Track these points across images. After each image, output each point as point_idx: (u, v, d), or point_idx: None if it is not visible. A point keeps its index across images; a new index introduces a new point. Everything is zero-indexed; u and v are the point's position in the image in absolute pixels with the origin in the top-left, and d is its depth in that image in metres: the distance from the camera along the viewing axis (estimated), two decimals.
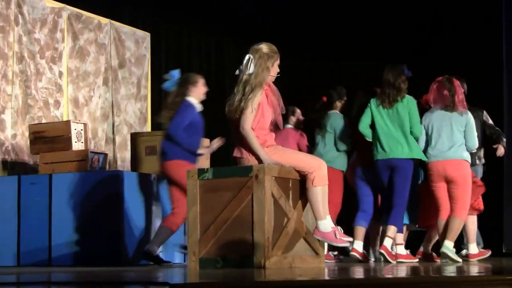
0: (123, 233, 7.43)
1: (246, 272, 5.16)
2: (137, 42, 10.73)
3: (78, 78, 9.74)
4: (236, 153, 5.99)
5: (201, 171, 5.91)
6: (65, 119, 9.26)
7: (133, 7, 10.94)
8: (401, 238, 7.48)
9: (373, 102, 7.59)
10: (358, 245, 7.56)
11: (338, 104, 8.26)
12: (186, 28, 11.75)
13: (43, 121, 9.01)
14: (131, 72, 10.58)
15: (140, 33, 10.80)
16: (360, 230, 7.64)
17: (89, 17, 9.97)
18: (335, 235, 5.82)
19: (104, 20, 10.19)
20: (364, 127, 7.57)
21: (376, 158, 7.48)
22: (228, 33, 12.47)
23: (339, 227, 5.99)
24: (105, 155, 8.21)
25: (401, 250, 7.41)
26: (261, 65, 5.88)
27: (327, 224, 5.82)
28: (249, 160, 5.86)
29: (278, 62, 5.97)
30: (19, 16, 9.03)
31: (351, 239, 6.09)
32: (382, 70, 7.77)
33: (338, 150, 8.02)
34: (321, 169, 5.85)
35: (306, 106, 8.86)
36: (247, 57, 5.92)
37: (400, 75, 7.62)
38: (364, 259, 7.67)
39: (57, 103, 9.38)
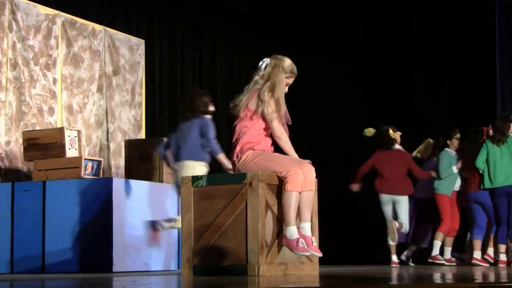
0: (116, 240, 7.41)
1: (240, 279, 5.15)
2: (132, 49, 10.72)
3: (72, 85, 9.73)
4: (234, 156, 5.95)
5: (195, 178, 5.90)
6: (59, 126, 9.24)
7: (127, 14, 10.94)
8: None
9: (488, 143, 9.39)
10: (477, 255, 9.34)
11: (449, 142, 9.80)
12: (180, 35, 11.76)
13: (37, 128, 9.00)
14: (126, 79, 10.57)
15: (134, 39, 10.80)
16: (478, 243, 9.40)
17: (83, 24, 9.96)
18: (297, 243, 5.75)
19: (98, 27, 10.19)
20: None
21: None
22: (221, 40, 12.49)
23: (313, 238, 5.87)
24: (99, 162, 8.19)
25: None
26: (277, 73, 5.89)
27: (292, 231, 5.75)
28: (245, 163, 5.84)
29: (289, 81, 5.97)
30: (13, 22, 9.02)
31: (318, 254, 5.93)
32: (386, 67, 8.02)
33: (440, 178, 9.65)
34: (297, 175, 5.71)
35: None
36: (265, 60, 5.95)
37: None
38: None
39: (51, 110, 9.36)
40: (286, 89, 6.00)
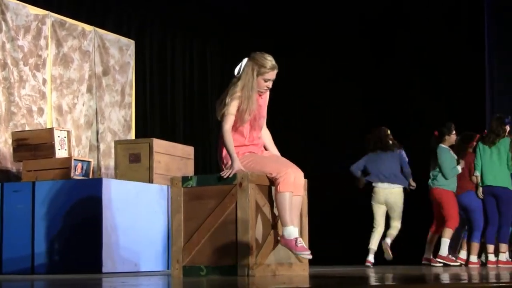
0: (105, 241, 7.39)
1: (230, 280, 5.15)
2: (121, 49, 10.70)
3: (62, 86, 9.71)
4: (220, 161, 5.96)
5: (185, 179, 5.90)
6: (48, 126, 9.22)
7: (117, 15, 10.92)
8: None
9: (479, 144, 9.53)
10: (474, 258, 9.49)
11: (447, 138, 9.62)
12: (170, 35, 11.75)
13: (27, 128, 8.97)
14: (115, 79, 10.56)
15: (124, 40, 10.78)
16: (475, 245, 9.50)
17: (73, 24, 9.94)
18: (296, 242, 5.75)
19: (88, 27, 10.17)
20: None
21: None
22: (211, 40, 12.49)
23: (299, 239, 5.86)
24: (89, 162, 8.18)
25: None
26: (247, 72, 5.82)
27: (290, 231, 5.73)
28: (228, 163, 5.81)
29: (267, 77, 5.84)
30: (2, 22, 8.99)
31: (308, 252, 5.85)
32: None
33: (446, 179, 9.50)
34: (288, 175, 5.70)
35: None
36: (243, 60, 5.90)
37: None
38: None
39: (41, 111, 9.34)
40: (269, 84, 5.90)
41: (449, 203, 9.46)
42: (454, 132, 9.61)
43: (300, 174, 5.84)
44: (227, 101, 5.79)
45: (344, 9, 12.24)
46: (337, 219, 11.67)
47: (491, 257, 9.34)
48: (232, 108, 5.78)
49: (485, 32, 11.41)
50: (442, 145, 9.59)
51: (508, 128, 9.43)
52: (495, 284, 4.39)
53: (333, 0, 12.25)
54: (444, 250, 9.38)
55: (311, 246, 6.25)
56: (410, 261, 10.01)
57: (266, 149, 6.11)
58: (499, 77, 11.36)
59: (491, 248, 9.39)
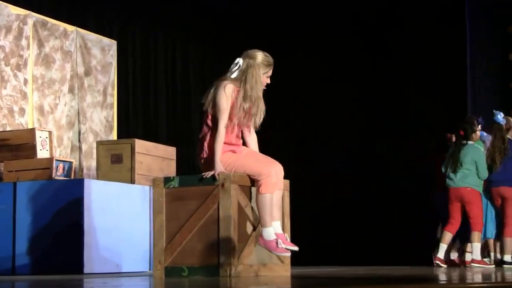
0: (87, 241, 7.37)
1: (212, 281, 5.15)
2: (103, 49, 10.67)
3: (44, 86, 9.67)
4: (202, 153, 5.90)
5: (167, 180, 5.89)
6: (30, 126, 9.18)
7: (99, 15, 10.89)
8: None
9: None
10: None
11: (473, 135, 9.10)
12: (152, 36, 11.72)
13: (8, 128, 8.93)
14: (97, 79, 10.53)
15: (106, 40, 10.75)
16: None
17: (54, 24, 9.91)
18: (277, 243, 5.74)
19: (70, 28, 10.13)
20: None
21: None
22: (194, 40, 12.47)
23: (286, 234, 5.88)
24: (71, 163, 8.15)
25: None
26: (252, 73, 5.76)
27: (270, 232, 5.72)
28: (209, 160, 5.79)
29: (269, 74, 5.85)
30: None
31: (295, 248, 5.88)
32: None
33: (480, 178, 9.04)
34: (270, 177, 5.69)
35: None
36: (238, 61, 5.84)
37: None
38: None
39: (22, 111, 9.30)
40: (268, 80, 5.88)
41: (480, 207, 9.12)
42: (479, 127, 9.12)
43: (280, 168, 5.82)
44: (236, 101, 5.73)
45: (338, 9, 12.23)
46: (335, 219, 11.66)
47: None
48: (223, 114, 5.74)
49: (467, 31, 11.45)
50: (473, 143, 9.13)
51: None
52: (472, 285, 4.41)
53: (327, 0, 12.25)
54: (477, 253, 9.11)
55: (311, 246, 6.24)
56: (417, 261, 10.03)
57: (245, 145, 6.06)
58: (484, 75, 11.40)
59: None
